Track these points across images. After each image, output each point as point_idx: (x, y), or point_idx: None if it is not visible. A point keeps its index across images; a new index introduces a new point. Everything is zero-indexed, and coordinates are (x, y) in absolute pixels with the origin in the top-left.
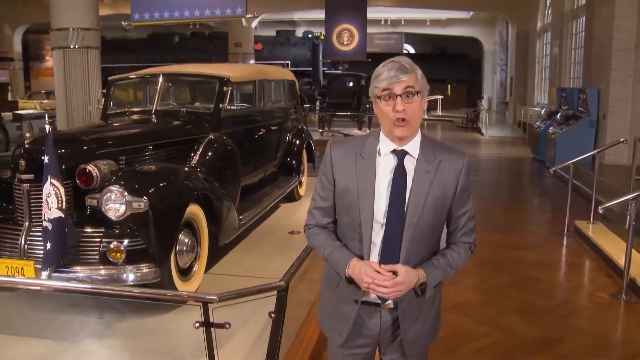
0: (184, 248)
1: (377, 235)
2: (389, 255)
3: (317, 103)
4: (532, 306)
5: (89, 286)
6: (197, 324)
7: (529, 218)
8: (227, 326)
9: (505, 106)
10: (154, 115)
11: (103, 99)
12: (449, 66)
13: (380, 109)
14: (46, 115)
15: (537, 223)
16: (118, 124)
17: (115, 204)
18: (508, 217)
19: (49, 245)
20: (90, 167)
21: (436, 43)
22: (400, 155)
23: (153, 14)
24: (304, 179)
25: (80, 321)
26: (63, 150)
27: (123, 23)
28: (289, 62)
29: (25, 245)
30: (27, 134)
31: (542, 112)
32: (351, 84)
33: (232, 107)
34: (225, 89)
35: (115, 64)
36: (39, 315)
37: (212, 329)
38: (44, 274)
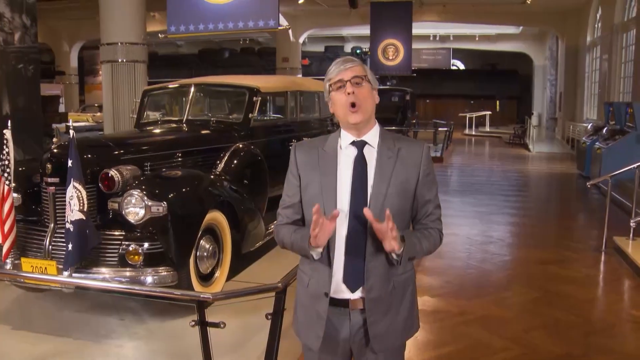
0: (205, 254)
1: (342, 225)
2: (355, 242)
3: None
4: (558, 322)
5: (91, 283)
6: (193, 322)
7: (567, 234)
8: (222, 325)
9: (555, 122)
10: (184, 124)
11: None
12: (499, 82)
13: (334, 100)
14: (70, 121)
15: (575, 239)
16: (147, 132)
17: (135, 207)
18: (545, 233)
19: (70, 246)
20: (113, 172)
21: (486, 59)
22: (359, 145)
23: (188, 27)
24: None
25: (101, 322)
26: (89, 156)
27: (160, 35)
28: None
29: (50, 246)
30: (54, 139)
31: (589, 127)
32: (396, 99)
33: (264, 118)
34: (255, 99)
35: (167, 79)
36: (63, 315)
37: (207, 328)
38: (65, 273)
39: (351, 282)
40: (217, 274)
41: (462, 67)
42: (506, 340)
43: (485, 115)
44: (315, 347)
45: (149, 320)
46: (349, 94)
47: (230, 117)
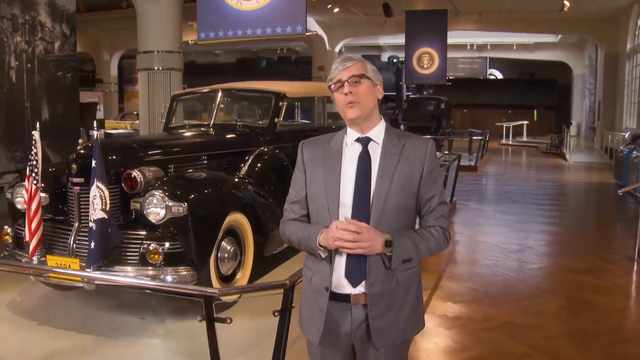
0: (226, 255)
1: (344, 218)
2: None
3: (402, 127)
4: (582, 331)
5: (100, 275)
6: (200, 318)
7: (600, 243)
8: (229, 321)
9: (593, 132)
10: (211, 129)
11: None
12: (537, 92)
13: (336, 100)
14: (94, 122)
15: (608, 248)
16: (172, 135)
17: (157, 208)
18: (577, 242)
19: (92, 244)
20: (136, 173)
21: (524, 68)
22: (364, 141)
23: (218, 33)
24: None
25: (123, 320)
26: (114, 157)
27: (189, 41)
28: None
29: (74, 245)
30: (80, 141)
31: (627, 135)
32: (431, 107)
33: (290, 122)
34: (281, 104)
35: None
36: (86, 313)
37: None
38: (88, 271)
39: (353, 277)
40: (238, 276)
41: (500, 76)
42: (527, 347)
43: (522, 124)
44: (315, 341)
45: (169, 320)
46: (346, 94)
47: (257, 121)
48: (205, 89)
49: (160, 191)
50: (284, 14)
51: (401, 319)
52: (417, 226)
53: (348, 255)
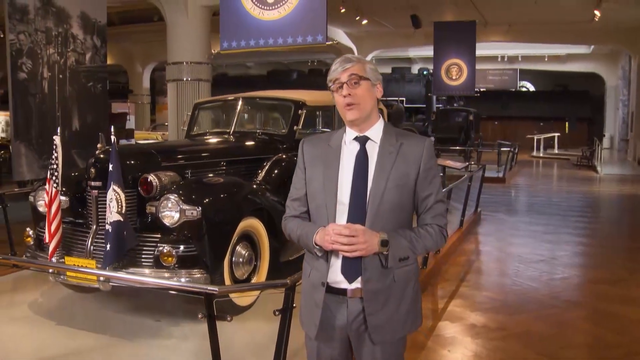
0: (241, 259)
1: (342, 216)
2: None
3: (432, 139)
4: (601, 341)
5: (102, 272)
6: (201, 315)
7: (626, 254)
8: (229, 319)
9: (627, 144)
10: (231, 136)
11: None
12: (569, 104)
13: (336, 100)
14: (112, 127)
15: (635, 260)
16: (192, 141)
17: (171, 211)
18: (602, 253)
19: (108, 246)
20: (152, 177)
21: (556, 80)
22: (362, 140)
23: (240, 43)
24: None
25: (138, 322)
26: (132, 162)
27: (213, 51)
28: (404, 98)
29: (91, 247)
30: (99, 146)
31: None
32: (459, 119)
33: (311, 131)
34: (300, 112)
35: None
36: (103, 314)
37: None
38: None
39: (349, 272)
40: (253, 280)
41: (531, 88)
42: (541, 356)
43: (554, 137)
44: (312, 334)
45: (184, 322)
46: (344, 96)
47: (277, 129)
48: (226, 97)
49: (175, 195)
50: (304, 23)
51: (398, 316)
52: (414, 224)
53: None
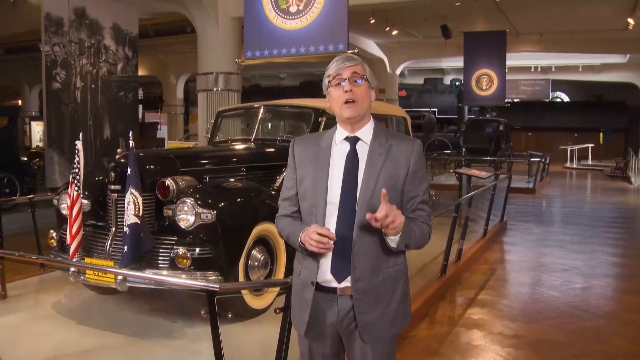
0: (256, 263)
1: (332, 216)
2: (342, 232)
3: (464, 150)
4: (619, 349)
5: (110, 269)
6: (204, 312)
7: None
8: (230, 316)
9: None
10: (252, 143)
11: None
12: (604, 114)
13: (332, 96)
14: (130, 133)
15: None
16: (211, 148)
17: (187, 214)
18: (629, 263)
19: (125, 247)
20: (169, 181)
21: (591, 90)
22: (353, 141)
23: (263, 52)
24: None
25: (155, 323)
26: (152, 166)
27: (237, 60)
28: (436, 109)
29: (110, 248)
30: (119, 150)
31: None
32: (490, 129)
33: None
34: (320, 119)
35: None
36: (122, 315)
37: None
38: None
39: (338, 272)
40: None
41: (566, 99)
42: None
43: (587, 147)
44: (301, 332)
45: (199, 324)
46: (346, 91)
47: (297, 136)
48: (249, 105)
49: (192, 199)
50: (326, 32)
51: (388, 314)
52: None
53: (333, 251)
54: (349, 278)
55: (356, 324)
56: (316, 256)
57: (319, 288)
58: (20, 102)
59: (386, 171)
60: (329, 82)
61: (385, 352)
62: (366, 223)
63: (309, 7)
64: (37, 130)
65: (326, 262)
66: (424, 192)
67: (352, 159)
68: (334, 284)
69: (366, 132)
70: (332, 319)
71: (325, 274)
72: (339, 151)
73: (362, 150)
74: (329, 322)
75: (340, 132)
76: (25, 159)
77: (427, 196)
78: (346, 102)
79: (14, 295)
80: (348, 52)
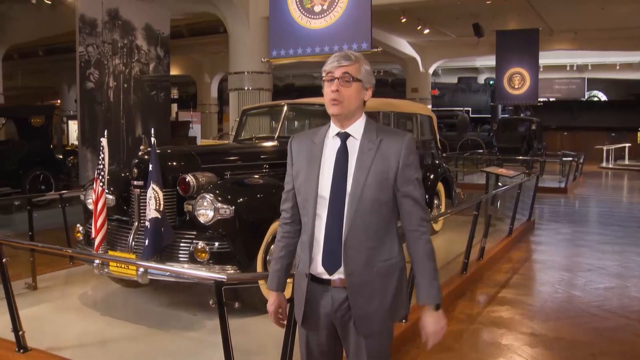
0: None
1: (323, 209)
2: (332, 226)
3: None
4: (637, 350)
5: (129, 260)
6: (212, 302)
7: None
8: (237, 306)
9: None
10: (276, 140)
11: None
12: None
13: (324, 90)
14: (152, 130)
15: None
16: (234, 145)
17: (206, 209)
18: None
19: (147, 241)
20: (190, 177)
21: (630, 89)
22: (343, 136)
23: (288, 51)
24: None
25: (176, 315)
26: (173, 163)
27: (262, 59)
28: (469, 108)
29: (133, 242)
30: (142, 147)
31: None
32: (522, 129)
33: None
34: None
35: None
36: (144, 307)
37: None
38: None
39: (329, 265)
40: (288, 280)
41: (603, 97)
42: None
43: (624, 147)
44: (299, 320)
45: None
46: (333, 91)
47: None
48: (273, 104)
49: (211, 194)
50: (350, 31)
51: (383, 308)
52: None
53: (324, 245)
54: (341, 270)
55: (350, 316)
56: (309, 249)
57: (314, 279)
58: (59, 101)
59: (376, 166)
60: (322, 76)
61: (379, 344)
62: (356, 217)
63: (333, 6)
64: (74, 128)
65: (318, 255)
66: (415, 188)
67: (342, 154)
68: (327, 275)
69: (356, 128)
70: (326, 309)
71: (317, 266)
72: (331, 147)
73: (353, 146)
74: (323, 313)
75: (333, 128)
76: (61, 156)
77: (419, 192)
78: (332, 100)
79: (44, 287)
80: (372, 50)
